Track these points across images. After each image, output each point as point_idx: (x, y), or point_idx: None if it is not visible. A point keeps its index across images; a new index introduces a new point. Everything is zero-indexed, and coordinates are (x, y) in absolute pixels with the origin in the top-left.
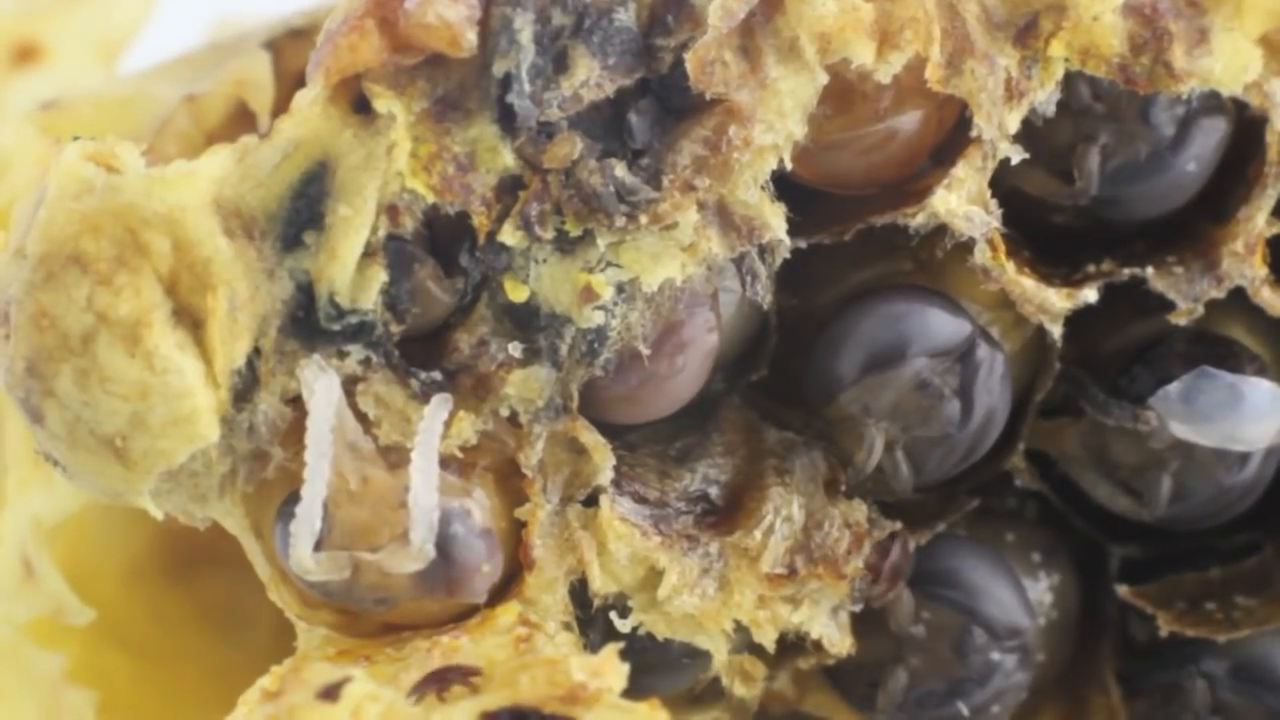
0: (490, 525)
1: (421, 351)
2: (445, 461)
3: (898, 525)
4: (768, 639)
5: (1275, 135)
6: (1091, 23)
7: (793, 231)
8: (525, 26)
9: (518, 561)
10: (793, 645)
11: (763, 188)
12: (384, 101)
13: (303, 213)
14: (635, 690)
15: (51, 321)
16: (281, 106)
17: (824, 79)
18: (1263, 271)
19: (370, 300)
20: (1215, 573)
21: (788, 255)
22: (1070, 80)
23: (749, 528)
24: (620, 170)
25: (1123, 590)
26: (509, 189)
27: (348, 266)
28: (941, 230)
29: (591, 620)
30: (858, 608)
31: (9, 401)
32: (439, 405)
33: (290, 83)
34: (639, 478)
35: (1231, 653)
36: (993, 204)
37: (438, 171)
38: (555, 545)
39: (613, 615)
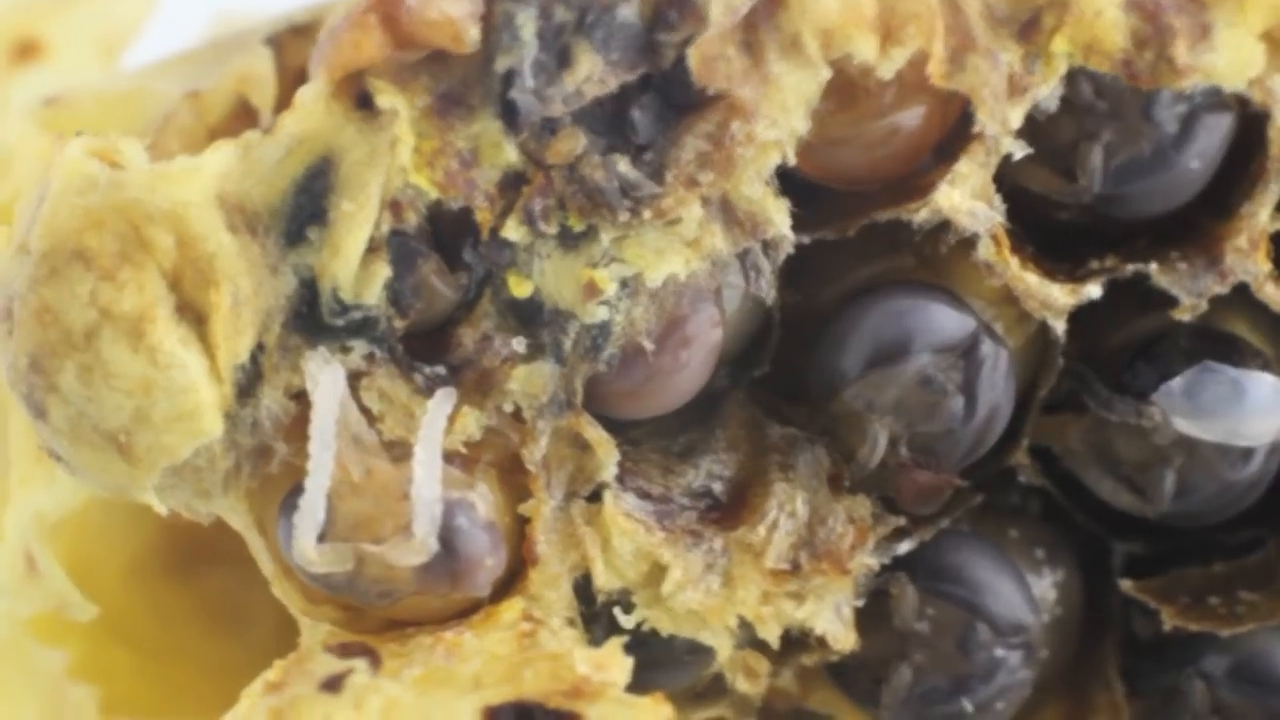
0: (494, 519)
1: (425, 346)
2: (449, 456)
3: (901, 520)
4: (772, 635)
5: (1278, 131)
6: (1094, 18)
7: (796, 227)
8: (528, 22)
9: (521, 557)
10: (797, 641)
11: (766, 183)
12: (387, 97)
13: (306, 208)
14: (639, 686)
15: (55, 317)
16: (284, 102)
17: (827, 74)
18: (1266, 267)
19: (374, 295)
20: (1219, 568)
21: (791, 251)
22: (1073, 78)
23: (753, 523)
24: (624, 165)
25: (1126, 584)
26: (512, 184)
27: (351, 262)
28: (945, 226)
29: (595, 616)
30: (861, 602)
31: (12, 397)
32: (443, 399)
33: (292, 79)
34: (643, 473)
35: (1232, 651)
36: (996, 199)
37: (441, 167)
38: (559, 541)
39: (616, 611)
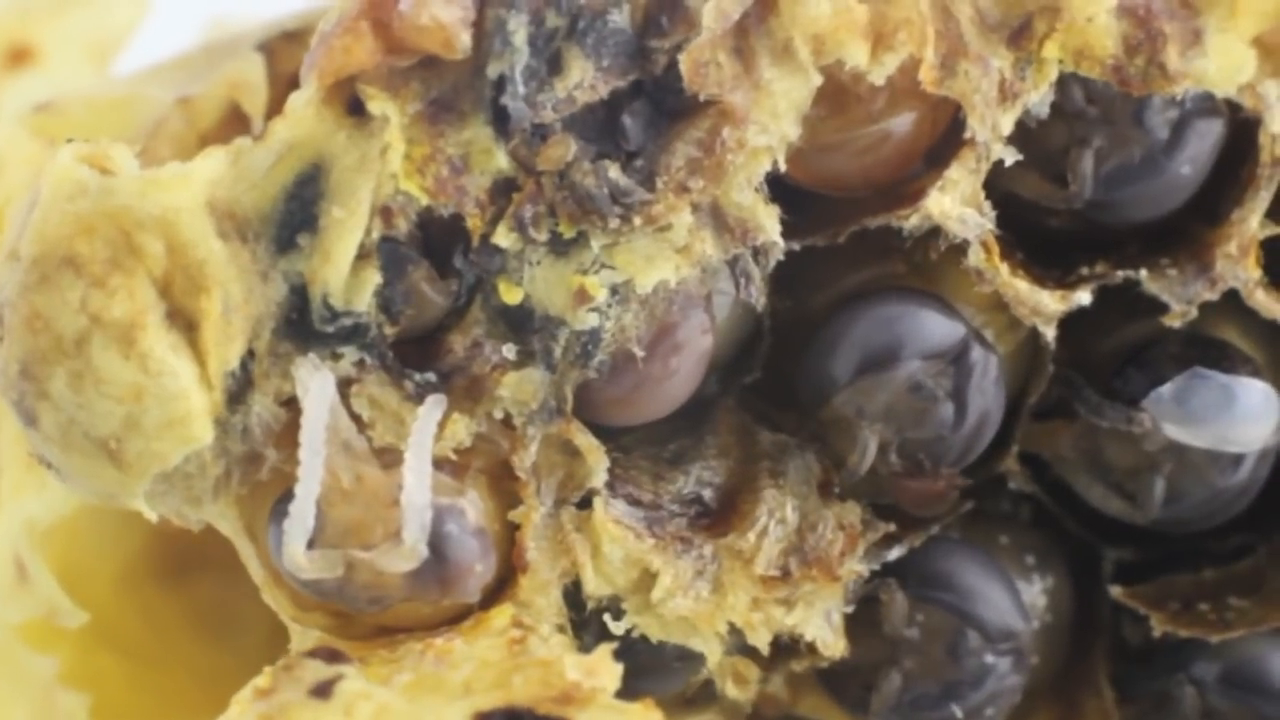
0: (484, 525)
1: (416, 353)
2: (439, 463)
3: (891, 527)
4: (761, 641)
5: (1269, 137)
6: (1085, 24)
7: (786, 233)
8: (519, 28)
9: (511, 564)
10: (786, 647)
11: (757, 189)
12: (378, 103)
13: (296, 214)
14: (628, 693)
15: (45, 324)
16: (275, 109)
17: (818, 80)
18: (1256, 274)
19: (364, 302)
20: (1208, 574)
21: (781, 257)
22: (1064, 83)
23: (743, 530)
24: (614, 172)
25: (1116, 591)
26: (503, 191)
27: (341, 268)
28: (935, 232)
29: (585, 623)
30: (851, 608)
31: (3, 404)
32: (433, 405)
33: (284, 85)
34: (633, 480)
35: (1222, 656)
36: (986, 206)
37: (431, 173)
38: (549, 548)
39: (606, 618)
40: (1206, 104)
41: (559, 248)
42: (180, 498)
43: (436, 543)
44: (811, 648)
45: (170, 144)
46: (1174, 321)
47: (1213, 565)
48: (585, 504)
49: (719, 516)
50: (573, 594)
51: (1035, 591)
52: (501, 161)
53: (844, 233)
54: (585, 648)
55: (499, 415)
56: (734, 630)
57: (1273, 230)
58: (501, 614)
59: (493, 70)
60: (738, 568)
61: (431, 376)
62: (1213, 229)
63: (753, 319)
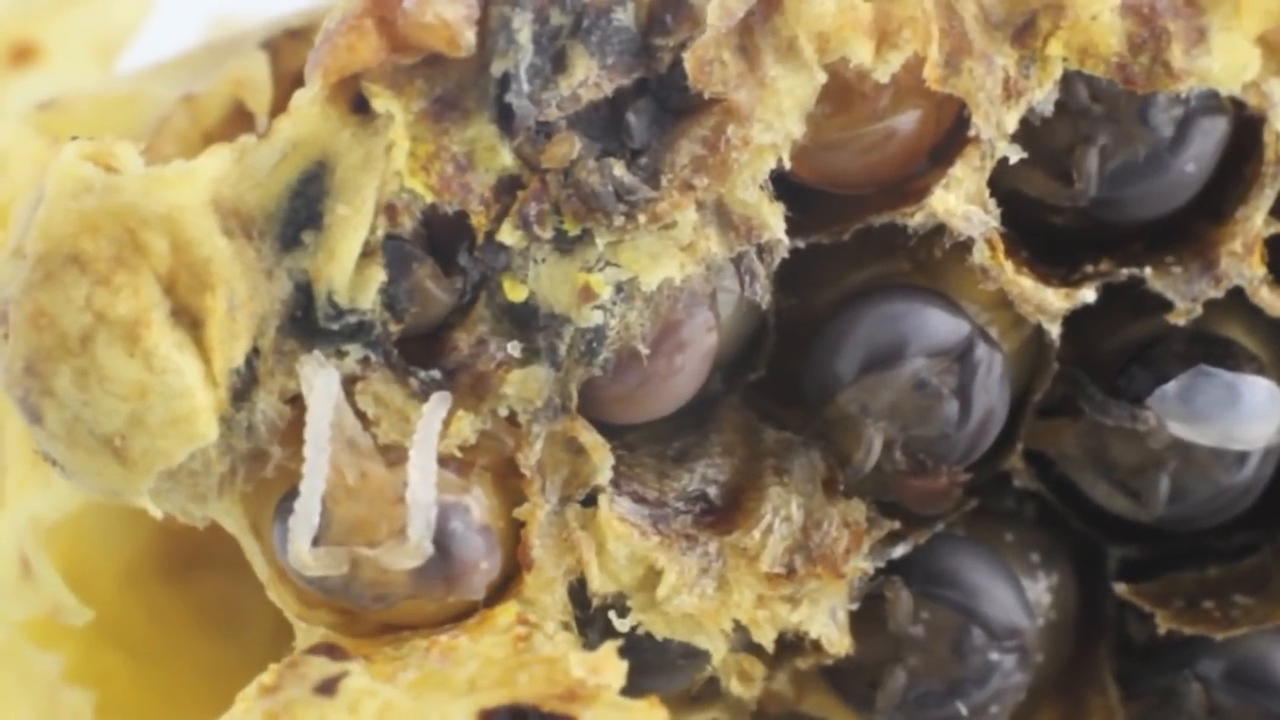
0: (489, 523)
1: (420, 351)
2: (444, 460)
3: (896, 524)
4: (766, 639)
5: (1273, 135)
6: (1090, 22)
7: (791, 231)
8: (524, 26)
9: (516, 562)
10: (791, 645)
11: (761, 187)
12: (382, 101)
13: (301, 212)
14: (633, 690)
15: (50, 321)
16: (280, 106)
17: (822, 78)
18: (1261, 271)
19: (369, 300)
20: (1213, 572)
21: (786, 255)
22: (1068, 81)
23: (748, 527)
24: (619, 170)
25: (1121, 588)
26: (507, 188)
27: (346, 266)
28: (940, 230)
29: (590, 620)
30: (856, 606)
31: (8, 401)
32: (438, 402)
33: (288, 83)
34: (638, 477)
35: (1227, 654)
36: (991, 203)
37: (436, 171)
38: (554, 545)
39: (611, 615)
40: (1211, 102)
41: (564, 245)
42: (185, 495)
43: (441, 540)
44: (816, 645)
45: (175, 142)
46: (1179, 319)
47: (1217, 563)
48: (590, 501)
49: (724, 514)
50: (578, 591)
51: (1040, 589)
52: (506, 159)
53: (849, 230)
54: (590, 645)
55: (504, 413)
56: (739, 628)
57: (1277, 228)
58: (506, 611)
59: (497, 68)
60: (743, 565)
61: (436, 374)
62: (1217, 227)
63: (757, 316)
